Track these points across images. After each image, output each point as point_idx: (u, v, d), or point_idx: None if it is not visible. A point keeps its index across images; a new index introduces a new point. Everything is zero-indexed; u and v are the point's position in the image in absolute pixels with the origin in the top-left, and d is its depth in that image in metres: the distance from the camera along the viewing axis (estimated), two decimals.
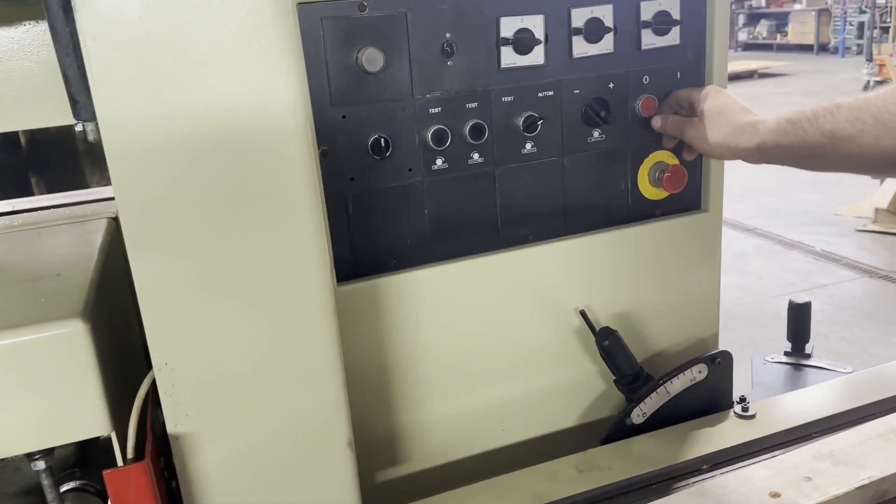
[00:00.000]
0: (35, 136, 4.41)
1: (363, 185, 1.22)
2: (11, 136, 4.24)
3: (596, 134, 1.34)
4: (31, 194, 4.03)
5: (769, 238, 6.00)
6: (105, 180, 4.51)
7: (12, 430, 0.91)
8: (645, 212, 1.41)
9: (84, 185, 4.40)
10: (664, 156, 1.40)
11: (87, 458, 1.27)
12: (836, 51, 17.91)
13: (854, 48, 17.12)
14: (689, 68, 1.37)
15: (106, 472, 0.92)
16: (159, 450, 1.02)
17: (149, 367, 1.40)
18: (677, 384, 1.36)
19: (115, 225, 1.41)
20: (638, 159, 1.39)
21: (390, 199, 1.25)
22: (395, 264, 1.27)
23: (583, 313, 1.37)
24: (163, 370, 0.97)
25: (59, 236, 1.32)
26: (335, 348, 1.06)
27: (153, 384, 0.98)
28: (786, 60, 16.43)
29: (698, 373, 1.37)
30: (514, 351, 1.37)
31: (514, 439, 1.41)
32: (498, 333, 1.35)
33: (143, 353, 1.42)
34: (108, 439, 1.07)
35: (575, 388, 1.43)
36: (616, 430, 1.36)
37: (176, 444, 1.00)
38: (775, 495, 1.12)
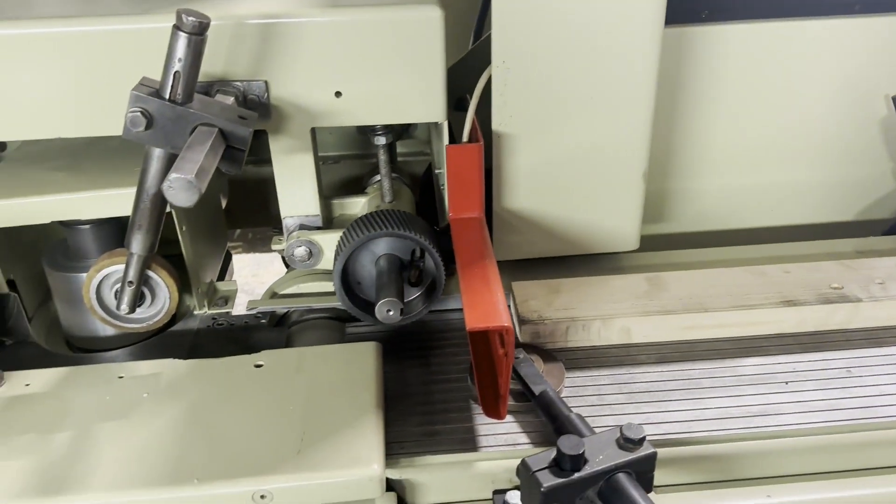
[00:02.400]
0: None
1: None
2: None
3: None
4: None
5: None
6: None
7: (368, 103, 1.02)
8: None
9: None
10: None
11: None
12: None
13: None
14: None
15: (448, 146, 1.03)
16: None
17: None
18: None
19: None
20: None
21: None
22: (707, 16, 1.24)
23: (894, 99, 1.28)
24: (499, 68, 1.04)
25: None
26: (652, 82, 1.08)
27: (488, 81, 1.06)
28: None
29: None
30: (808, 132, 1.32)
31: (787, 222, 1.40)
32: (794, 110, 1.30)
33: None
34: None
35: (862, 182, 1.37)
36: None
37: (497, 142, 1.09)
38: None
